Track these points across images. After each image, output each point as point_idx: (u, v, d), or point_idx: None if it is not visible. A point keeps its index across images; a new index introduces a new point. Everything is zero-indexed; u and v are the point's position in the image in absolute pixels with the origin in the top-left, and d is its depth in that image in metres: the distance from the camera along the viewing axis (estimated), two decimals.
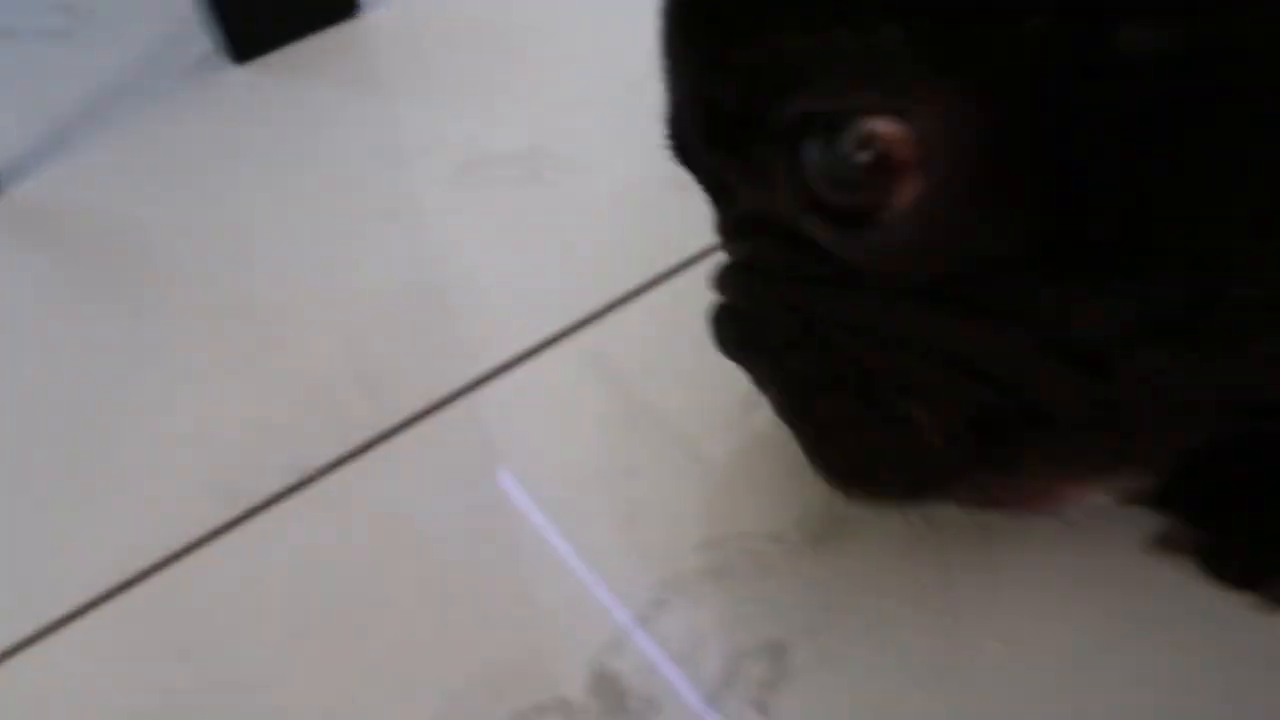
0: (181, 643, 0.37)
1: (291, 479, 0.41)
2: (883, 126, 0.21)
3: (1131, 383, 0.22)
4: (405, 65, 0.63)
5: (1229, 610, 0.31)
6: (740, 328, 0.28)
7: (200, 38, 0.65)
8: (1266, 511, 0.30)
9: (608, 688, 0.33)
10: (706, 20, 0.24)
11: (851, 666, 0.33)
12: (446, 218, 0.52)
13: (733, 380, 0.31)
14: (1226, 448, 0.27)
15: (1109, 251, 0.20)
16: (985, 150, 0.20)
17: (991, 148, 0.20)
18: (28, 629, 0.37)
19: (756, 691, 0.33)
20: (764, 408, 0.29)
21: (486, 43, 0.63)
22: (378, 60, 0.64)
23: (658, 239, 0.48)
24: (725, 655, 0.34)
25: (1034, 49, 0.19)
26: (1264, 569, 0.30)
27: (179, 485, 0.41)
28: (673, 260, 0.47)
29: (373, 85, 0.62)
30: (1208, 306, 0.20)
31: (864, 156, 0.21)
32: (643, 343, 0.44)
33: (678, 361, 0.42)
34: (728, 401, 0.39)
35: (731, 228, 0.28)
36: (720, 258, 0.29)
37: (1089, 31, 0.18)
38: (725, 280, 0.28)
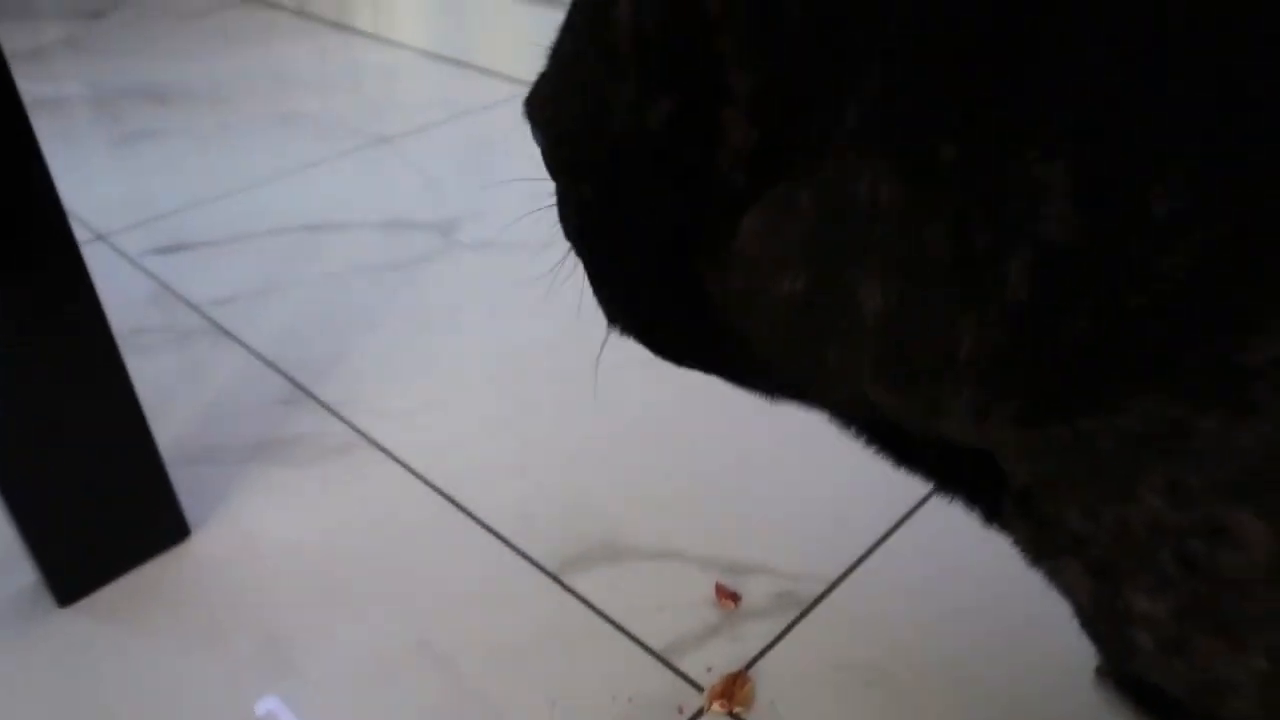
0: None
1: None
2: None
3: None
4: (238, 609, 0.64)
5: None
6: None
7: (25, 568, 0.65)
8: None
9: None
10: None
11: None
12: None
13: None
14: None
15: None
16: None
17: None
18: None
19: None
20: None
21: (315, 575, 0.66)
22: (211, 601, 0.65)
23: None
24: None
25: None
26: None
27: None
28: None
29: (207, 637, 0.62)
30: None
31: None
32: None
33: None
34: None
35: None
36: None
37: None
38: None
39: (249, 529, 0.70)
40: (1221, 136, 0.25)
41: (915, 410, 0.32)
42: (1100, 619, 0.31)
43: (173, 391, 0.84)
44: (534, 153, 1.15)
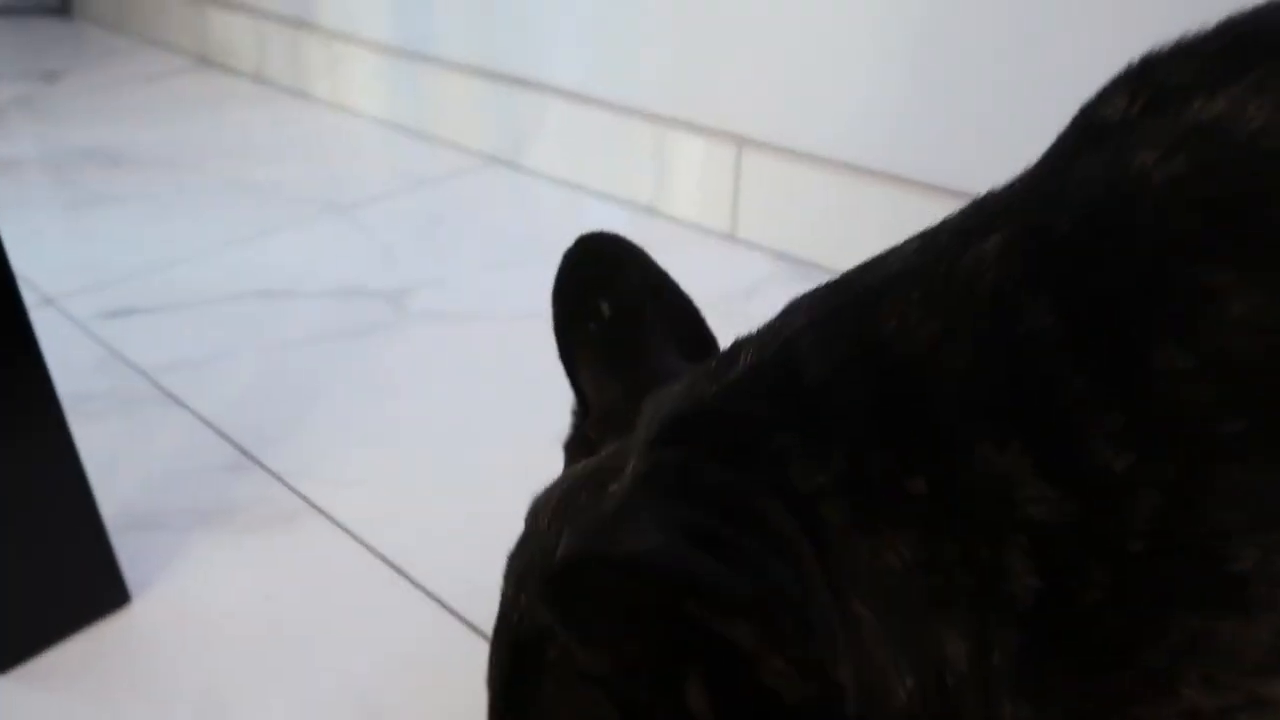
0: None
1: None
2: None
3: None
4: (177, 676, 0.64)
5: None
6: None
7: None
8: None
9: None
10: None
11: None
12: None
13: None
14: None
15: None
16: None
17: None
18: None
19: None
20: None
21: (256, 641, 0.66)
22: (150, 669, 0.65)
23: None
24: None
25: None
26: None
27: None
28: None
29: (144, 707, 0.62)
30: None
31: None
32: None
33: None
34: None
35: None
36: None
37: None
38: None
39: (192, 596, 0.70)
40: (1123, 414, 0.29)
41: None
42: None
43: (118, 458, 0.84)
44: (488, 224, 1.21)
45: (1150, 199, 0.31)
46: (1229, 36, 0.33)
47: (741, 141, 1.15)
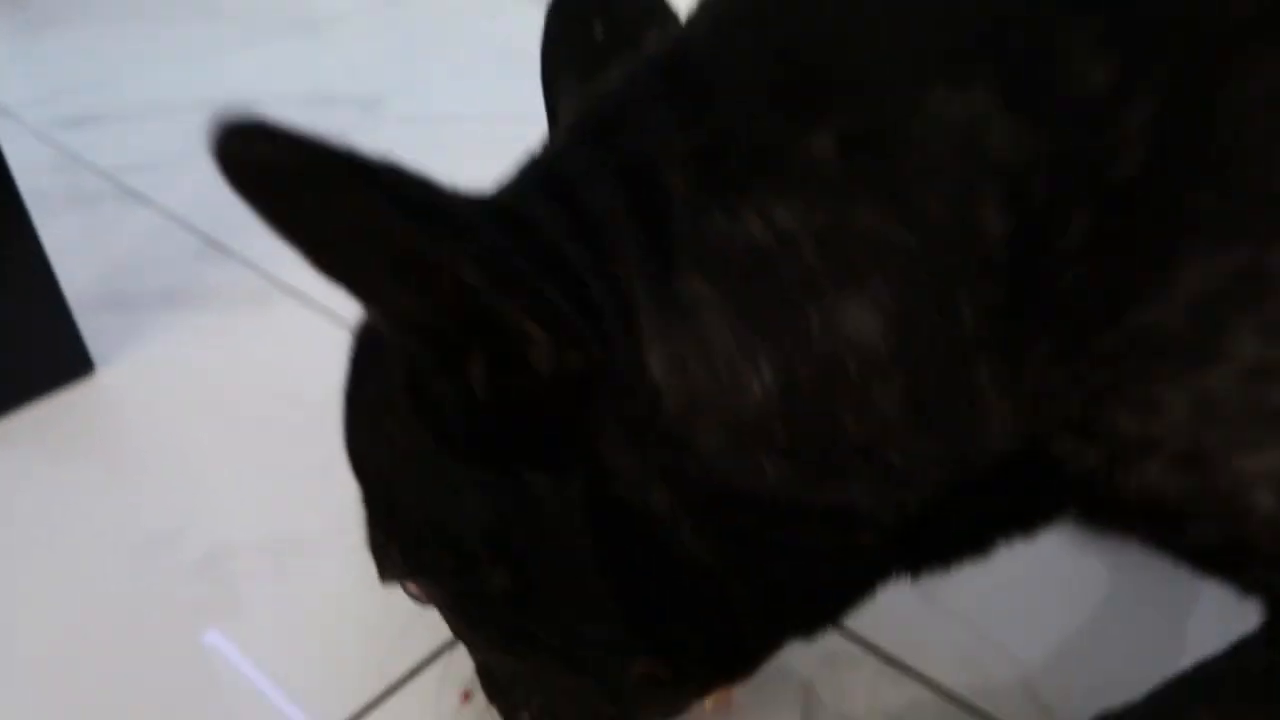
0: None
1: None
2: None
3: None
4: (142, 438, 0.62)
5: None
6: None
7: None
8: None
9: None
10: None
11: None
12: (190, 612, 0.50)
13: None
14: None
15: None
16: None
17: None
18: None
19: None
20: None
21: (222, 408, 0.64)
22: (114, 431, 0.62)
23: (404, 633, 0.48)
24: None
25: None
26: None
27: None
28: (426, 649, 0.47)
29: (109, 463, 0.60)
30: None
31: None
32: None
33: None
34: None
35: None
36: None
37: None
38: None
39: (158, 369, 0.67)
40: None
41: (960, 428, 0.28)
42: (1202, 511, 0.27)
43: (81, 248, 0.80)
44: (459, 38, 1.14)
45: None
46: None
47: None
